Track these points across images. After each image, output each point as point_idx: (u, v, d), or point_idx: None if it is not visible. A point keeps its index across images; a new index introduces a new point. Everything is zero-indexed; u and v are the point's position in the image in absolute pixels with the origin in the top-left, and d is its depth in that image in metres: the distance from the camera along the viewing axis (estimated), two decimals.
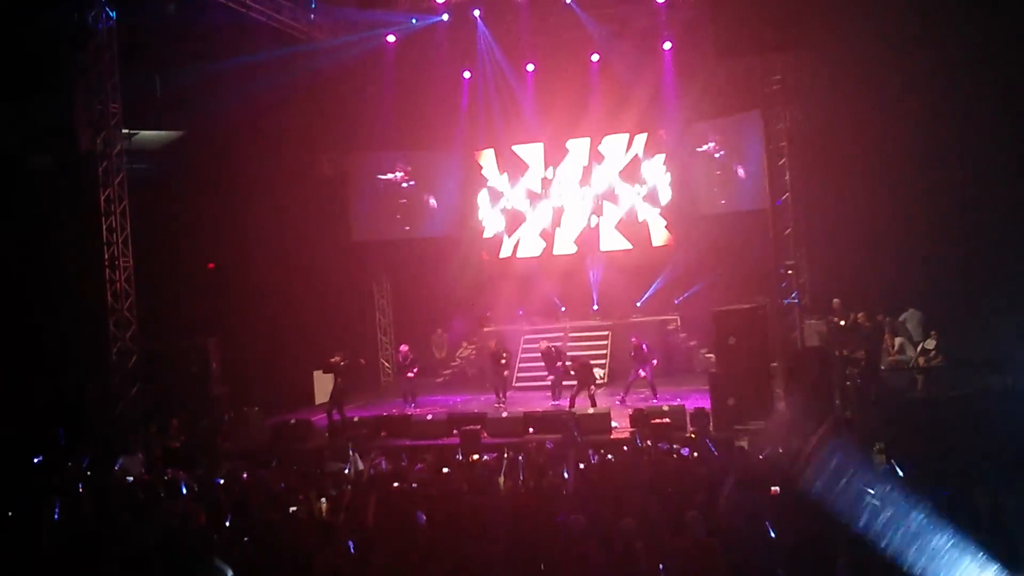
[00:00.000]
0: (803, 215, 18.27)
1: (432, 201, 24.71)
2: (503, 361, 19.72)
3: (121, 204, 17.79)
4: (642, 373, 18.73)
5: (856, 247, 18.31)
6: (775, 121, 17.70)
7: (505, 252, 25.24)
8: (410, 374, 20.20)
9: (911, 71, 17.53)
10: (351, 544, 8.35)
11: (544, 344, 20.05)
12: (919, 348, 16.84)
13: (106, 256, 17.63)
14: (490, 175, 25.28)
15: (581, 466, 11.89)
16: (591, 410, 17.10)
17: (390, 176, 24.31)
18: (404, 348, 20.69)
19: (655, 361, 19.00)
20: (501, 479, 11.31)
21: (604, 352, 21.90)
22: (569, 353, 20.16)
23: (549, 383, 19.70)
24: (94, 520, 10.32)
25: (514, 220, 25.13)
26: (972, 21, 16.64)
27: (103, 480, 12.95)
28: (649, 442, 14.20)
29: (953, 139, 17.11)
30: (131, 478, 12.88)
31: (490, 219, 25.34)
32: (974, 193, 16.83)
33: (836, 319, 18.50)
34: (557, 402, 18.89)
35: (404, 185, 24.48)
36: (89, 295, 17.81)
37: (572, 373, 18.94)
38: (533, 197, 24.91)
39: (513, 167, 25.07)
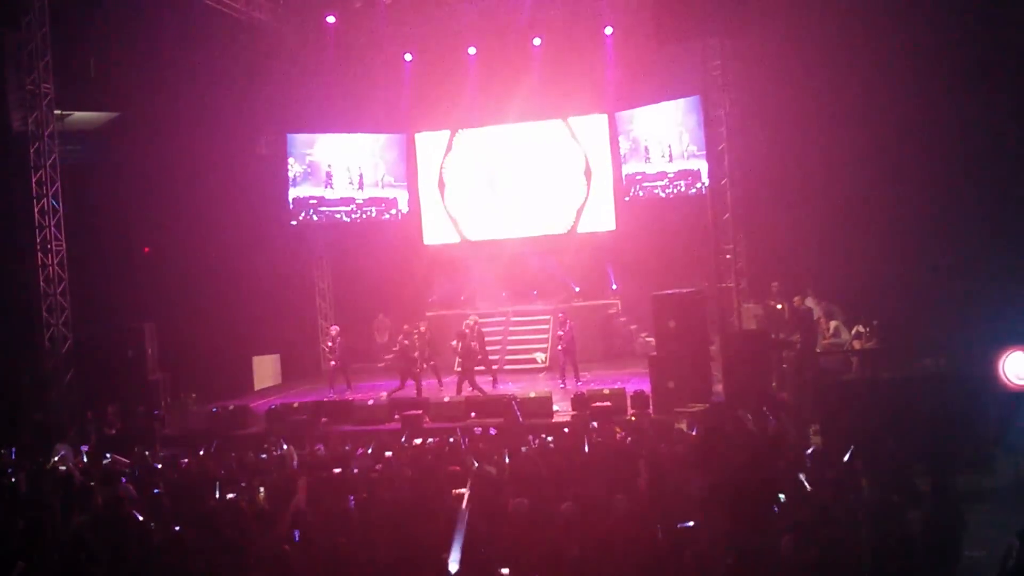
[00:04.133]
0: (742, 199, 18.47)
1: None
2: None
3: (53, 186, 17.42)
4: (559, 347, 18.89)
5: (794, 232, 18.56)
6: (715, 107, 17.85)
7: (447, 236, 25.13)
8: (332, 362, 19.90)
9: (850, 59, 17.81)
10: (296, 533, 8.33)
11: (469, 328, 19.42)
12: (854, 331, 17.14)
13: (38, 239, 17.26)
14: (432, 158, 25.12)
15: (523, 449, 11.95)
16: (532, 393, 17.16)
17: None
18: (334, 330, 20.50)
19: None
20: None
21: (545, 337, 21.93)
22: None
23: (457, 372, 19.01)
24: (29, 507, 10.16)
25: (457, 203, 25.03)
26: (912, 15, 16.94)
27: (37, 467, 12.70)
28: (596, 423, 14.29)
29: (890, 128, 17.40)
30: (64, 467, 12.64)
31: (433, 202, 25.21)
32: (909, 181, 17.14)
33: (773, 303, 18.76)
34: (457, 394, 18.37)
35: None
36: (21, 279, 17.45)
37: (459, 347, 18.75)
38: (476, 180, 24.82)
39: (455, 150, 24.94)
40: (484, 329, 20.21)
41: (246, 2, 21.28)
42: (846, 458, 9.76)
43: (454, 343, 18.87)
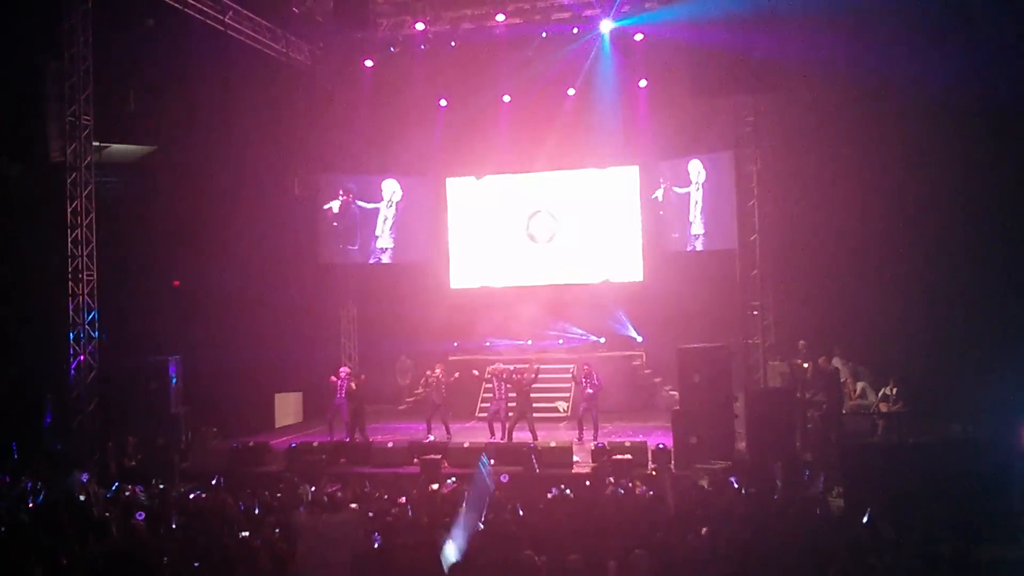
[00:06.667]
0: (771, 256, 18.38)
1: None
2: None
3: (88, 217, 17.63)
4: (589, 391, 18.37)
5: (822, 290, 18.43)
6: (747, 162, 17.85)
7: (473, 281, 25.19)
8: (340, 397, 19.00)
9: (885, 119, 17.75)
10: None
11: (499, 368, 19.44)
12: (880, 393, 16.94)
13: (70, 268, 17.43)
14: (462, 202, 25.27)
15: (549, 495, 11.85)
16: (553, 443, 17.00)
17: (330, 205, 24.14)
18: (344, 371, 19.84)
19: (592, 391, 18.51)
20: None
21: (568, 386, 21.79)
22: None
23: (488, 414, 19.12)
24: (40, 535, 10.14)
25: (485, 249, 25.11)
26: (944, 71, 16.88)
27: (52, 496, 12.72)
28: (612, 479, 14.14)
29: (922, 189, 17.31)
30: (83, 496, 12.64)
31: (461, 247, 25.31)
32: (942, 245, 17.02)
33: (800, 361, 18.58)
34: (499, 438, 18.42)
35: (352, 206, 24.29)
36: (51, 308, 17.59)
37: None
38: (505, 227, 24.91)
39: (485, 196, 25.08)
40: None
41: (285, 43, 21.59)
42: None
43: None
